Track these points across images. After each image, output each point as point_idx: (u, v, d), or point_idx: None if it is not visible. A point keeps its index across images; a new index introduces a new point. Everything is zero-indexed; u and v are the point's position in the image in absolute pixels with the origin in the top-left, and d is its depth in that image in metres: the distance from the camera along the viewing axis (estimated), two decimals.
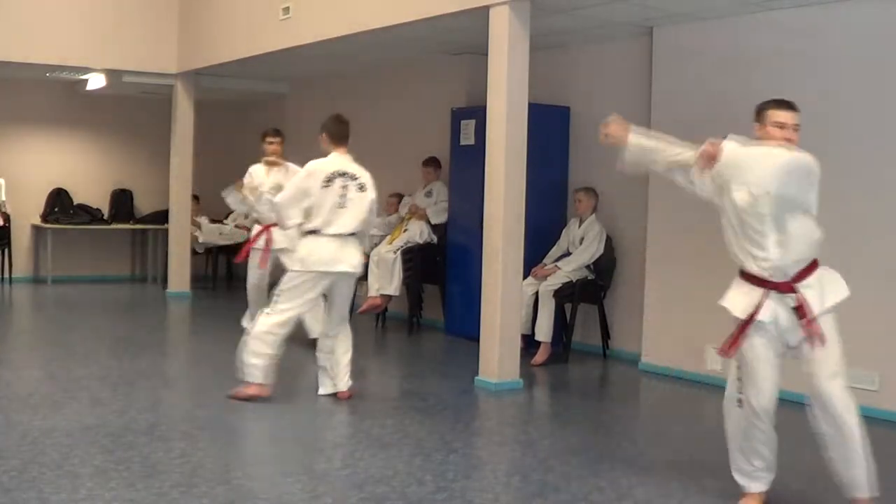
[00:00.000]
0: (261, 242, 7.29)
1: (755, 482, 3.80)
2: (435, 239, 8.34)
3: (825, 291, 3.63)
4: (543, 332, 7.02)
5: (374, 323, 8.47)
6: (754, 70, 6.19)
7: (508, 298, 6.07)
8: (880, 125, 5.58)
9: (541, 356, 6.98)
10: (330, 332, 5.61)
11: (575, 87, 7.76)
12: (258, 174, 7.44)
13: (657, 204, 6.88)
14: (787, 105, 3.66)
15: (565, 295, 7.12)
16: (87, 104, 11.75)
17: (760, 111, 3.71)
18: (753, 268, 3.64)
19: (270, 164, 7.41)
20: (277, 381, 6.32)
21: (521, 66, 6.08)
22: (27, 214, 11.47)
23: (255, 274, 7.43)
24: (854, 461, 3.56)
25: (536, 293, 7.08)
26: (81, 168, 11.96)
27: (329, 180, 5.39)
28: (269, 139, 7.46)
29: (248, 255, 7.45)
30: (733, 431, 3.82)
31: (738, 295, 3.71)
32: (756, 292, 3.64)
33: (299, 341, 7.95)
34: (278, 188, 6.53)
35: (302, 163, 7.00)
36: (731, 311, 3.71)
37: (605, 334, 7.36)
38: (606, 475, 4.23)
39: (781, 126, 3.61)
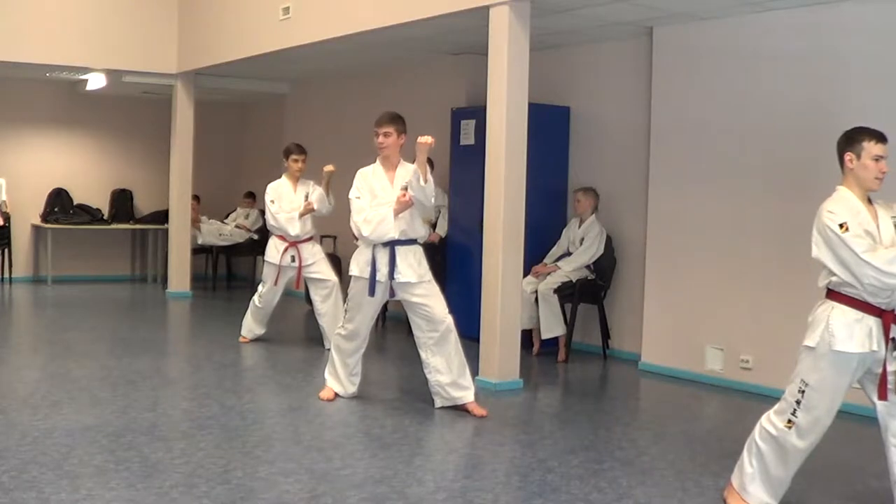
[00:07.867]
0: (288, 259, 7.17)
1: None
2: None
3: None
4: (547, 328, 7.06)
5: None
6: (754, 70, 6.19)
7: (508, 298, 6.07)
8: (880, 125, 5.55)
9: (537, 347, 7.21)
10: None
11: (575, 87, 7.76)
12: (286, 190, 7.24)
13: (657, 204, 6.88)
14: (882, 137, 3.60)
15: (565, 294, 7.13)
16: (87, 104, 11.76)
17: (853, 140, 3.60)
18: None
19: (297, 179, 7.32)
20: (278, 380, 6.34)
21: (521, 66, 6.07)
22: (27, 214, 11.47)
23: (277, 292, 7.36)
24: None
25: (536, 292, 7.10)
26: (81, 168, 11.97)
27: None
28: (295, 157, 7.29)
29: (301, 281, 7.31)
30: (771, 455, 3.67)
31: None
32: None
33: (306, 341, 7.97)
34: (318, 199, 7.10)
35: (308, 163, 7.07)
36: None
37: (605, 334, 7.35)
38: (606, 475, 4.23)
39: (877, 159, 3.56)
